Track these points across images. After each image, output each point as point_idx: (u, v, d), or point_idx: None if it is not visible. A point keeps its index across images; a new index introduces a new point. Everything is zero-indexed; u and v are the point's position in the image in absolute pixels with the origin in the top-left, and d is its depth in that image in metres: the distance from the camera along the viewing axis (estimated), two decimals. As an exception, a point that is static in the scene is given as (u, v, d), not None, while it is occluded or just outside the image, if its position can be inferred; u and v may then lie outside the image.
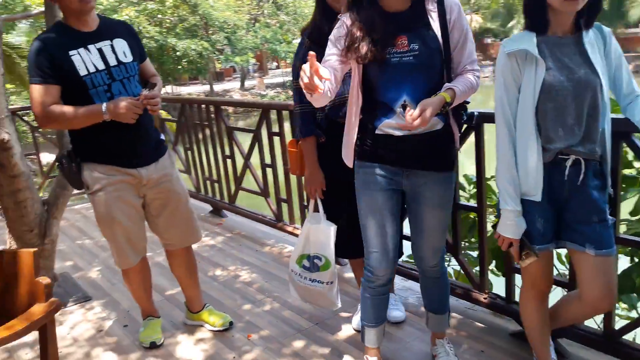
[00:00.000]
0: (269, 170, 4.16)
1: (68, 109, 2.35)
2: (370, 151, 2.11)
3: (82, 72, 2.37)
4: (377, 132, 2.06)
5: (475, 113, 2.26)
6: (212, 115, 4.70)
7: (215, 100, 4.95)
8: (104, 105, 2.33)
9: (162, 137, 2.74)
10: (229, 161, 4.66)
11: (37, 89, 2.33)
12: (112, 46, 2.47)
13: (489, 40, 36.92)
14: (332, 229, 2.47)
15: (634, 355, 2.23)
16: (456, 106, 2.05)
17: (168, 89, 24.66)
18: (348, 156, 2.19)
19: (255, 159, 4.29)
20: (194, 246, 2.95)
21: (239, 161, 4.52)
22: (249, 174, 4.46)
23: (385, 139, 2.06)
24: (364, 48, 1.94)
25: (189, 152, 5.22)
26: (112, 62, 2.45)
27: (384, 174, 2.12)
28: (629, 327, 2.30)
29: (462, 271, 3.01)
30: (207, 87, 28.97)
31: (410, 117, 1.85)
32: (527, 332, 2.25)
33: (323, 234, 2.49)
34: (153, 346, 2.77)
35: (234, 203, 4.77)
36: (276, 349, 2.70)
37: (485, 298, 2.75)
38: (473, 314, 2.88)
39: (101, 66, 2.42)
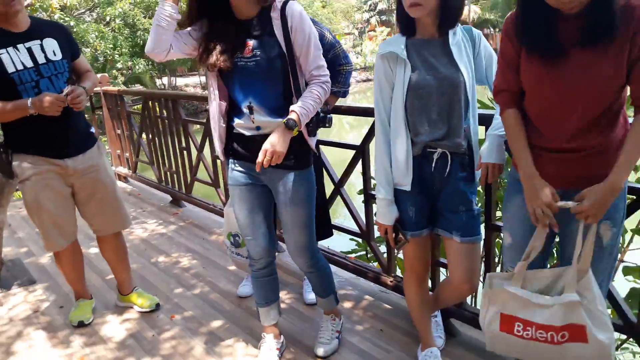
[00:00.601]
0: (218, 162, 4.33)
1: None
2: (232, 148, 2.29)
3: (10, 69, 2.53)
4: (234, 130, 2.24)
5: (329, 116, 2.38)
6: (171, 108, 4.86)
7: (172, 94, 5.10)
8: (30, 100, 2.50)
9: (92, 129, 2.91)
10: (185, 153, 4.83)
11: None
12: (41, 45, 2.64)
13: (487, 31, 36.83)
14: None
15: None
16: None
17: (164, 81, 24.80)
18: (220, 152, 2.34)
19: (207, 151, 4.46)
20: (143, 234, 3.12)
21: (194, 153, 4.69)
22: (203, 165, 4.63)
23: (239, 137, 2.24)
24: (212, 58, 2.11)
25: (152, 144, 5.40)
26: (41, 60, 2.62)
27: (243, 170, 2.30)
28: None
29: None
30: (204, 79, 29.14)
31: (257, 164, 2.06)
32: (410, 312, 2.42)
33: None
34: (81, 325, 2.96)
35: (190, 193, 4.94)
36: (194, 328, 2.88)
37: (391, 281, 2.93)
38: (384, 297, 3.06)
39: (29, 64, 2.58)
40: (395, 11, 2.08)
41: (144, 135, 5.54)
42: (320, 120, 2.27)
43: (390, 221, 2.14)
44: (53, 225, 2.78)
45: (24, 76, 2.56)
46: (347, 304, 3.03)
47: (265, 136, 2.13)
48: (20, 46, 2.58)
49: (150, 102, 5.28)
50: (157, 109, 5.20)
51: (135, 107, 7.22)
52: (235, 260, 3.01)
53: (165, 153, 5.17)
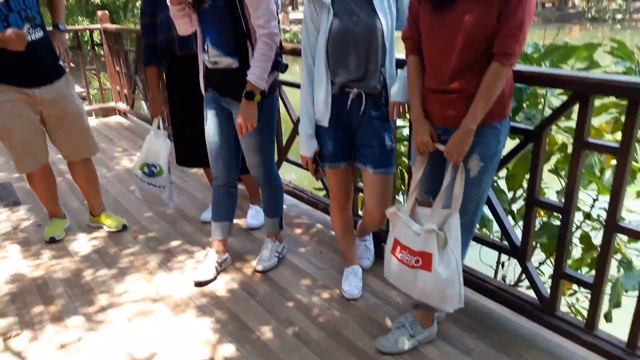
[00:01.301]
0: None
1: None
2: (207, 78, 2.52)
3: None
4: (205, 63, 2.46)
5: (283, 62, 2.52)
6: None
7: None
8: None
9: (60, 62, 3.07)
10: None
11: None
12: None
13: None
14: (168, 144, 2.92)
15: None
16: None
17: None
18: (201, 80, 2.56)
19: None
20: (129, 164, 3.33)
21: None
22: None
23: (208, 69, 2.47)
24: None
25: (145, 82, 5.56)
26: None
27: (211, 96, 2.54)
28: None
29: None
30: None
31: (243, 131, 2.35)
32: (335, 235, 2.61)
33: (160, 148, 2.93)
34: (52, 241, 3.23)
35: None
36: (153, 246, 3.13)
37: (336, 209, 3.10)
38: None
39: None
40: None
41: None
42: (276, 65, 2.44)
43: (310, 153, 2.31)
44: (23, 150, 2.99)
45: None
46: (298, 230, 3.23)
47: (224, 70, 2.38)
48: None
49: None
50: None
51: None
52: (145, 190, 3.10)
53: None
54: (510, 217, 2.77)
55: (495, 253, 2.99)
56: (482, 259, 3.11)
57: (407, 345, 2.10)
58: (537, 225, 2.63)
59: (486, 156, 1.83)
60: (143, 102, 5.82)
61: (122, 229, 3.35)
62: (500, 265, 3.18)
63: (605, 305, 2.58)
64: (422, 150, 1.91)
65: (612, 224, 1.81)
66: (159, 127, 3.00)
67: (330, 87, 2.20)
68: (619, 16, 31.42)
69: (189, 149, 3.19)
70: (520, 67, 1.93)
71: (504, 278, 3.19)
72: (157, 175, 3.01)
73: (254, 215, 3.33)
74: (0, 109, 2.88)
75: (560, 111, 1.93)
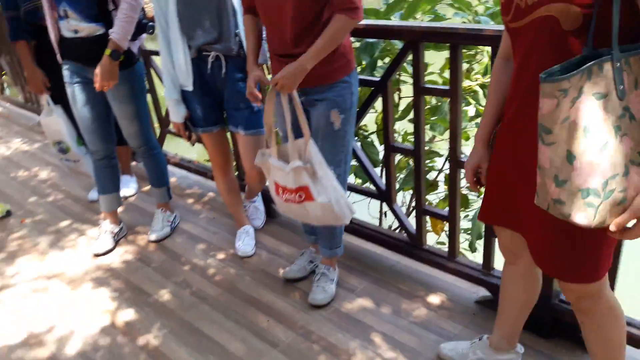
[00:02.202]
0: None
1: None
2: (62, 50, 2.50)
3: None
4: (61, 33, 2.43)
5: (150, 24, 2.59)
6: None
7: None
8: None
9: None
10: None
11: None
12: None
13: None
14: (61, 118, 2.84)
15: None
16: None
17: None
18: (57, 53, 2.52)
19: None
20: (6, 152, 3.18)
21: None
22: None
23: (66, 39, 2.45)
24: None
25: (12, 65, 5.27)
26: None
27: (73, 69, 2.51)
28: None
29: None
30: None
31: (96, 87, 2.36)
32: (222, 198, 2.78)
33: (57, 124, 2.85)
34: None
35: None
36: (42, 229, 3.10)
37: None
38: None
39: None
40: None
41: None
42: (141, 27, 2.47)
43: (180, 119, 2.39)
44: None
45: None
46: (190, 200, 3.34)
47: (85, 39, 2.37)
48: None
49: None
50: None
51: None
52: (67, 166, 3.10)
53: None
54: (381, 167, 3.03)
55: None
56: (370, 213, 3.42)
57: (309, 268, 2.43)
58: (406, 173, 2.95)
59: (344, 108, 2.00)
60: (14, 88, 5.51)
61: (7, 215, 3.27)
62: (383, 215, 3.50)
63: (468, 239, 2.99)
64: (261, 84, 2.09)
65: (454, 160, 2.13)
66: (48, 104, 2.88)
67: (187, 50, 2.25)
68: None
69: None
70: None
71: (389, 227, 3.52)
72: (67, 151, 2.95)
73: (126, 184, 3.42)
74: None
75: (398, 60, 2.16)
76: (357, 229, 2.64)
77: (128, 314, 2.30)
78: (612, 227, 1.08)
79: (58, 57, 2.53)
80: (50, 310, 2.35)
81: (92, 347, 2.11)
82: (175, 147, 4.17)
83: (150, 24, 2.60)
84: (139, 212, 3.23)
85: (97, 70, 2.33)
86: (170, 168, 3.65)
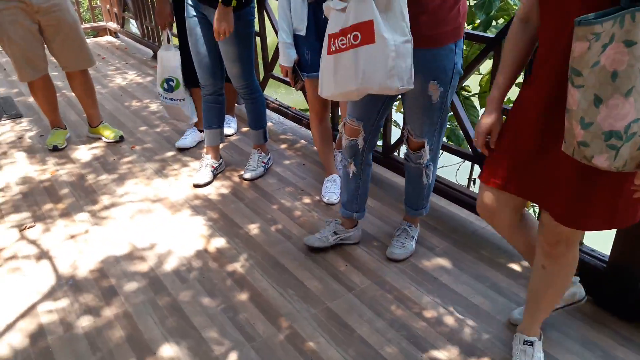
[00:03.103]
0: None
1: None
2: None
3: None
4: None
5: None
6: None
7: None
8: None
9: None
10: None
11: None
12: None
13: None
14: (178, 54, 3.02)
15: (399, 166, 2.86)
16: None
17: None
18: None
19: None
20: (123, 82, 3.49)
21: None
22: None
23: None
24: None
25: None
26: None
27: (193, 4, 2.67)
28: (395, 146, 2.90)
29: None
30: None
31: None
32: (315, 145, 2.86)
33: (173, 60, 3.05)
34: (55, 149, 3.46)
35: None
36: (149, 156, 3.38)
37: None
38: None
39: None
40: None
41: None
42: None
43: (290, 62, 2.48)
44: (23, 58, 3.17)
45: None
46: (283, 145, 3.49)
47: None
48: None
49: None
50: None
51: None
52: (168, 106, 3.23)
53: (147, 8, 5.41)
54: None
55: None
56: (457, 180, 3.41)
57: (331, 240, 2.38)
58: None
59: (445, 81, 1.91)
60: (133, 22, 5.88)
61: (120, 140, 3.58)
62: (472, 182, 3.48)
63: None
64: None
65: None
66: (168, 41, 3.07)
67: None
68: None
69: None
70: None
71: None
72: (175, 88, 3.13)
73: (227, 124, 3.62)
74: (0, 17, 3.02)
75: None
76: (444, 189, 2.66)
77: (220, 242, 2.50)
78: (636, 180, 1.20)
79: None
80: (152, 230, 2.60)
81: (187, 267, 2.33)
82: (275, 92, 4.30)
83: None
84: (237, 151, 3.43)
85: (215, 21, 2.45)
86: (268, 112, 3.83)
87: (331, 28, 1.78)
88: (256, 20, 3.68)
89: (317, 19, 2.39)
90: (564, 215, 1.42)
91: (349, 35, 1.71)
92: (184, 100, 3.17)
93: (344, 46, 1.72)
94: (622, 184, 1.31)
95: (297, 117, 3.60)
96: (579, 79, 1.15)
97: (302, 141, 3.53)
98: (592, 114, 1.14)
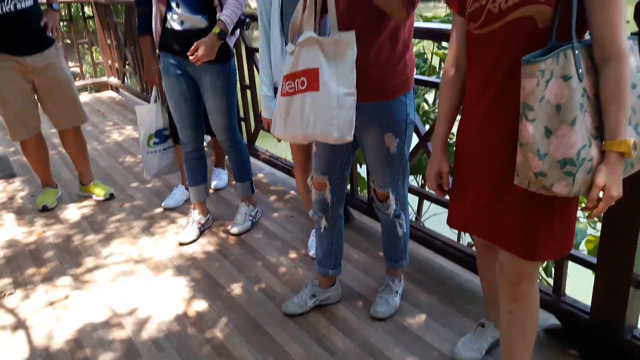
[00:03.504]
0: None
1: None
2: (164, 42, 2.65)
3: None
4: (165, 25, 2.60)
5: (247, 20, 2.70)
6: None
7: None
8: None
9: (51, 34, 3.23)
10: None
11: None
12: None
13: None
14: (154, 111, 3.10)
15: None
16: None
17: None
18: (157, 45, 2.71)
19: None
20: (119, 138, 3.52)
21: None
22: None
23: (170, 32, 2.61)
24: None
25: (134, 55, 5.71)
26: None
27: (172, 61, 2.67)
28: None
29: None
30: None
31: (190, 57, 2.42)
32: (299, 195, 2.82)
33: (162, 113, 3.10)
34: (44, 209, 3.46)
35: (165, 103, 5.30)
36: (138, 214, 3.35)
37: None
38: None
39: None
40: None
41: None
42: (240, 22, 2.62)
43: (271, 114, 2.45)
44: (16, 117, 3.20)
45: None
46: (273, 197, 3.45)
47: (189, 31, 2.55)
48: None
49: (131, 12, 5.53)
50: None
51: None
52: (161, 156, 3.22)
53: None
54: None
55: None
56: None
57: (310, 303, 2.29)
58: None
59: (398, 131, 1.92)
60: (133, 77, 5.98)
61: (110, 198, 3.57)
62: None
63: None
64: None
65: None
66: (155, 100, 3.11)
67: (284, 48, 2.29)
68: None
69: None
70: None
71: (469, 244, 3.40)
72: (168, 139, 3.17)
73: (218, 177, 3.64)
74: None
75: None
76: (429, 240, 2.58)
77: (201, 305, 2.43)
78: (588, 203, 1.28)
79: (157, 47, 2.71)
80: (133, 293, 2.54)
81: (165, 334, 2.26)
82: (266, 144, 4.29)
83: (247, 20, 2.72)
84: (226, 204, 3.39)
85: (199, 43, 2.44)
86: (259, 164, 3.83)
87: (285, 70, 1.82)
88: (246, 74, 3.74)
89: None
90: (521, 248, 1.47)
91: (297, 80, 1.75)
92: (173, 147, 3.24)
93: (292, 90, 1.77)
94: (566, 207, 1.41)
95: (286, 168, 3.57)
96: (531, 113, 1.24)
97: (292, 192, 3.49)
98: (546, 145, 1.24)
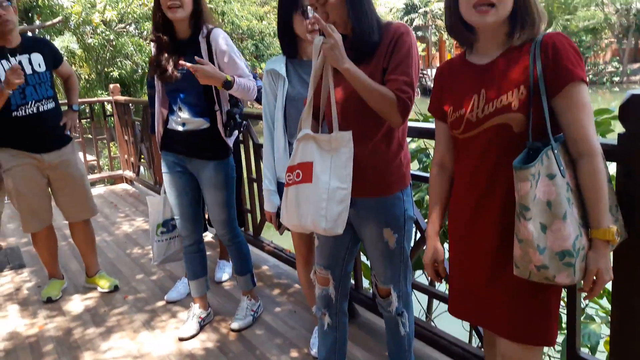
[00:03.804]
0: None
1: None
2: (166, 142, 2.78)
3: (2, 77, 3.06)
4: (167, 126, 2.72)
5: (244, 123, 2.84)
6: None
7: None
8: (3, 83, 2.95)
9: (68, 132, 3.40)
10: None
11: None
12: (29, 58, 3.18)
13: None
14: (162, 203, 3.12)
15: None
16: (227, 113, 2.64)
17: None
18: (158, 144, 2.83)
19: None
20: (129, 229, 3.60)
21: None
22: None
23: (172, 132, 2.73)
24: (168, 71, 2.60)
25: (149, 150, 5.92)
26: (28, 71, 3.15)
27: (173, 159, 2.78)
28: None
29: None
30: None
31: (188, 64, 2.47)
32: (302, 289, 2.79)
33: (157, 204, 3.15)
34: (49, 300, 3.45)
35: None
36: (140, 307, 3.33)
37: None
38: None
39: None
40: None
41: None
42: (237, 125, 2.73)
43: (273, 208, 2.51)
44: (29, 210, 3.29)
45: None
46: (277, 290, 3.42)
47: (190, 132, 2.67)
48: (11, 59, 3.11)
49: (148, 110, 5.82)
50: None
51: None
52: (168, 245, 3.20)
53: (160, 158, 5.67)
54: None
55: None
56: (463, 325, 3.24)
57: None
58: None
59: (396, 227, 1.94)
60: (147, 170, 6.17)
61: (114, 290, 3.57)
62: (473, 331, 3.28)
63: None
64: None
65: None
66: (165, 191, 3.19)
67: (287, 146, 2.40)
68: (616, 79, 32.03)
69: None
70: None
71: (479, 346, 3.28)
72: (175, 228, 3.18)
73: (221, 269, 3.67)
74: (12, 172, 3.20)
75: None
76: (436, 340, 2.51)
77: (196, 404, 2.35)
78: (585, 287, 1.40)
79: (158, 146, 2.83)
80: (128, 390, 2.48)
81: None
82: (271, 235, 4.31)
83: (245, 123, 2.86)
84: (228, 297, 3.36)
85: (207, 64, 2.47)
86: (264, 256, 3.84)
87: (288, 162, 1.93)
88: (253, 168, 3.85)
89: None
90: (513, 332, 1.52)
91: (294, 172, 1.85)
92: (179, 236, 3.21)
93: (290, 181, 1.86)
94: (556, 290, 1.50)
95: (291, 260, 3.57)
96: (528, 212, 1.34)
97: (296, 285, 3.47)
98: (544, 240, 1.34)
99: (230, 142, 2.81)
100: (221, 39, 2.59)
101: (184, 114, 2.66)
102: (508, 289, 1.52)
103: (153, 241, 3.19)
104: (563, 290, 1.82)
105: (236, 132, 2.88)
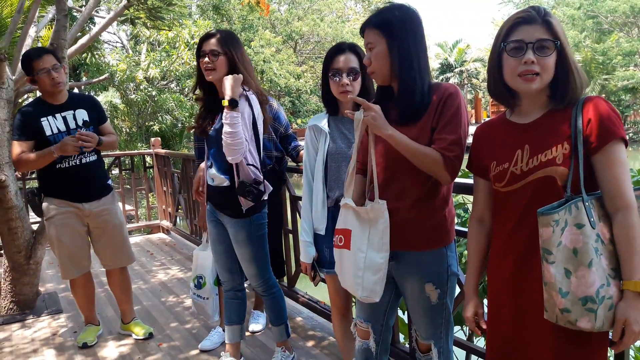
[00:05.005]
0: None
1: (32, 154, 3.18)
2: (208, 193, 2.88)
3: (48, 132, 3.23)
4: (207, 180, 2.84)
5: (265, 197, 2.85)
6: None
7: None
8: (53, 147, 3.14)
9: (110, 182, 3.53)
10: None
11: (14, 144, 3.22)
12: (74, 115, 3.34)
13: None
14: (211, 255, 3.13)
15: None
16: (243, 182, 2.67)
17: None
18: (206, 196, 2.91)
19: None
20: (164, 278, 3.65)
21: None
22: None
23: (208, 185, 2.86)
24: (208, 128, 2.77)
25: (187, 201, 6.06)
26: (72, 125, 3.31)
27: (210, 209, 2.90)
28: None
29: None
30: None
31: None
32: (337, 342, 2.75)
33: (206, 259, 3.17)
34: (84, 346, 3.48)
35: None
36: (174, 354, 3.32)
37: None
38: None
39: (63, 128, 3.28)
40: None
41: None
42: (257, 196, 2.72)
43: (309, 259, 2.53)
44: (68, 257, 3.37)
45: (58, 138, 3.23)
46: (311, 342, 3.37)
47: (216, 188, 2.78)
48: (57, 115, 3.28)
49: (187, 163, 5.98)
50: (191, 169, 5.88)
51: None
52: (195, 302, 3.26)
53: (197, 208, 5.78)
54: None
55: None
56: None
57: None
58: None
59: (439, 282, 1.92)
60: (183, 220, 6.27)
61: (149, 337, 3.57)
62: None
63: None
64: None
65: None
66: (207, 241, 3.21)
67: (326, 199, 2.46)
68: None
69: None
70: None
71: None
72: (202, 286, 3.20)
73: (256, 319, 3.65)
74: (53, 221, 3.30)
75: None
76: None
77: None
78: (614, 338, 1.41)
79: (206, 198, 2.91)
80: None
81: None
82: (306, 287, 4.29)
83: (268, 189, 2.81)
84: (262, 348, 3.33)
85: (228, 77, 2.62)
86: (298, 307, 3.81)
87: (337, 224, 2.01)
88: (289, 219, 3.88)
89: (335, 220, 2.46)
90: None
91: (338, 236, 1.95)
92: (207, 299, 3.19)
93: (336, 244, 1.96)
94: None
95: (325, 312, 3.53)
96: (550, 256, 1.42)
97: (331, 338, 3.41)
98: (567, 284, 1.39)
99: (245, 206, 2.74)
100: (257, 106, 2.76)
101: (212, 170, 2.78)
102: (549, 339, 1.53)
103: (190, 294, 3.23)
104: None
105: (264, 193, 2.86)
